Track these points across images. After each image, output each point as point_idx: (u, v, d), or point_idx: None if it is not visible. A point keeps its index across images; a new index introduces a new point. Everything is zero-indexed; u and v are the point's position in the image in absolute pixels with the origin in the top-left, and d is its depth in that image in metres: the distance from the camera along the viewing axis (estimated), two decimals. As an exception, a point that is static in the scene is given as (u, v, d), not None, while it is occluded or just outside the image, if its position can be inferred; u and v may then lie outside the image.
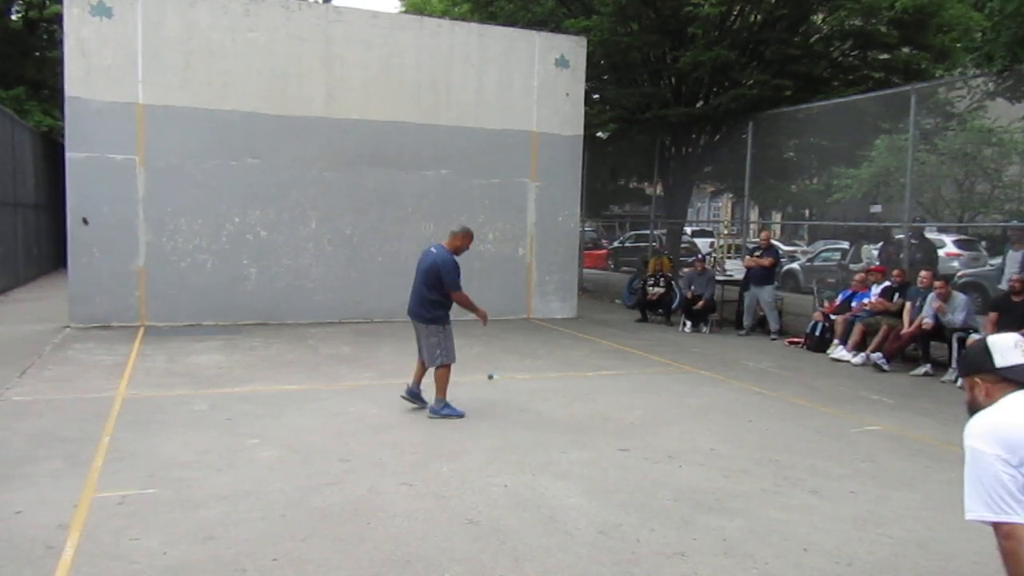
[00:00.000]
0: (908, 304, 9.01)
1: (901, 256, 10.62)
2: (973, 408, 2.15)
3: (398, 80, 11.50)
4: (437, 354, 6.18)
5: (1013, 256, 10.49)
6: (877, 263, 12.56)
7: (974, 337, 8.13)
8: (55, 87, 18.56)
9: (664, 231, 18.03)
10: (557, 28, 13.99)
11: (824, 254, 19.03)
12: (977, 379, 2.17)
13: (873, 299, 9.59)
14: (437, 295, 6.17)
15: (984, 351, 2.16)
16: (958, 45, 12.75)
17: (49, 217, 17.85)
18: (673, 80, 14.74)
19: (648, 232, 18.45)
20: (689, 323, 11.62)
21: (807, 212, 23.66)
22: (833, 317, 10.07)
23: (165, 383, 7.18)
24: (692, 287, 11.66)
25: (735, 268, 13.55)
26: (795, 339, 10.67)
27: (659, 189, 17.48)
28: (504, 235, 12.33)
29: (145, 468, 4.80)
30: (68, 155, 10.10)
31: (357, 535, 3.88)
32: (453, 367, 6.28)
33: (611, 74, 16.01)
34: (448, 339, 6.22)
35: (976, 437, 2.02)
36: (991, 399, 2.09)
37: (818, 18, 14.07)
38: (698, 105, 14.55)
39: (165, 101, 10.38)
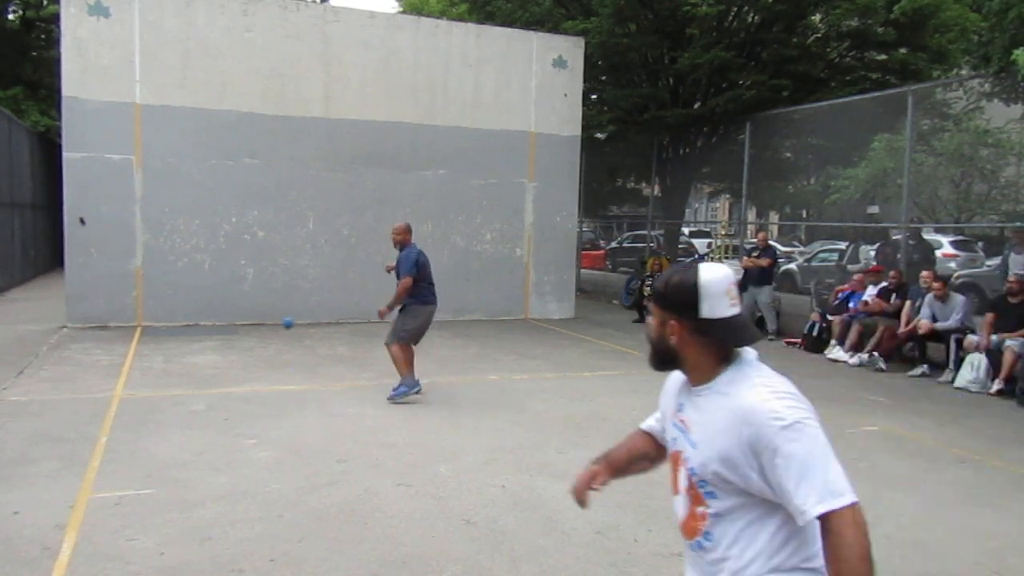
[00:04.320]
0: (907, 304, 9.02)
1: (898, 257, 10.63)
2: None
3: (396, 80, 11.49)
4: (399, 333, 6.66)
5: (1016, 259, 10.39)
6: (875, 264, 12.56)
7: (971, 338, 8.14)
8: (52, 87, 18.53)
9: (662, 232, 18.03)
10: (555, 27, 14.00)
11: (822, 255, 19.03)
12: None
13: (871, 299, 9.60)
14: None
15: None
16: (954, 46, 12.76)
17: (46, 217, 17.83)
18: (671, 81, 14.75)
19: (646, 232, 18.46)
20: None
21: (804, 212, 23.69)
22: (831, 317, 10.08)
23: (162, 383, 7.17)
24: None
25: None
26: (792, 339, 10.68)
27: (657, 190, 17.50)
28: (502, 235, 12.32)
29: (142, 468, 4.79)
30: (65, 155, 10.09)
31: (354, 535, 3.88)
32: (452, 367, 6.30)
33: (609, 75, 16.03)
34: (410, 322, 6.66)
35: None
36: None
37: (815, 18, 14.09)
38: (695, 106, 14.56)
39: (162, 101, 10.37)
